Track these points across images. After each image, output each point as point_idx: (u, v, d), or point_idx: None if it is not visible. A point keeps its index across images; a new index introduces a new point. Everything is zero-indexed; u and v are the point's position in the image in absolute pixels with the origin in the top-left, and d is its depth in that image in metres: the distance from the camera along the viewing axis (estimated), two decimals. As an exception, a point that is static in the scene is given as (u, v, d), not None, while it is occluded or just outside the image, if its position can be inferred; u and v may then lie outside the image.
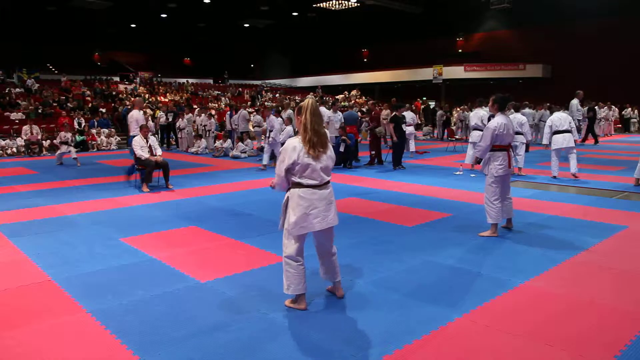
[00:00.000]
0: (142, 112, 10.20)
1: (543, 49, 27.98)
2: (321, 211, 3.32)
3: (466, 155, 10.63)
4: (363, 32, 35.97)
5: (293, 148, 3.26)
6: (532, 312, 3.37)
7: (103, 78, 28.30)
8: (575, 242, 4.98)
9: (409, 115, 13.66)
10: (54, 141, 13.13)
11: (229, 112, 16.42)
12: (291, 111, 13.37)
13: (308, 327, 3.19)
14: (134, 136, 8.89)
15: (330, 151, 3.41)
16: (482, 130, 9.98)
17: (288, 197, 3.40)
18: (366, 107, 19.96)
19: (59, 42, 31.79)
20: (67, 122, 14.60)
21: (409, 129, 13.33)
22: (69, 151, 12.46)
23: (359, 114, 15.25)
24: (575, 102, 13.58)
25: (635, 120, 22.18)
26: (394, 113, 10.97)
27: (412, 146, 13.43)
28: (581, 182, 8.65)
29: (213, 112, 18.32)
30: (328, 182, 3.41)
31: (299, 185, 3.30)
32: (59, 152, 12.58)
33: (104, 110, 20.56)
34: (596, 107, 18.20)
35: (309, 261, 3.61)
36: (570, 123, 8.76)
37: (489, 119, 10.01)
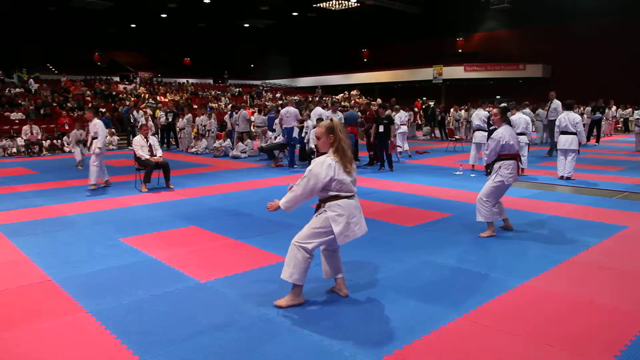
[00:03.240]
0: (295, 108, 10.76)
1: (543, 49, 28.00)
2: (359, 219, 3.44)
3: (470, 155, 10.62)
4: (363, 32, 35.99)
5: (329, 166, 3.29)
6: (532, 312, 3.37)
7: (103, 78, 28.30)
8: (575, 242, 4.99)
9: (402, 114, 13.67)
10: (68, 140, 12.44)
11: (229, 112, 16.46)
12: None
13: (308, 327, 3.19)
14: (290, 128, 10.19)
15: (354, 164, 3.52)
16: (484, 131, 10.04)
17: (321, 205, 3.42)
18: (361, 107, 19.99)
19: (59, 42, 31.81)
20: (68, 122, 14.60)
21: (401, 129, 13.34)
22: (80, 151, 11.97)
23: (359, 114, 15.26)
24: (558, 103, 13.26)
25: (632, 119, 22.19)
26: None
27: (405, 145, 13.44)
28: (582, 182, 8.65)
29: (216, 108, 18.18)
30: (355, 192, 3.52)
31: (337, 197, 3.36)
32: (78, 152, 11.92)
33: (104, 110, 20.57)
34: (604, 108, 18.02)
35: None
36: (576, 125, 8.73)
37: (488, 119, 10.04)
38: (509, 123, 5.43)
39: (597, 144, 16.17)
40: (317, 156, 3.49)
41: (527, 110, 13.90)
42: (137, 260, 4.62)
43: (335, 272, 3.65)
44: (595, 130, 16.77)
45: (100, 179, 8.65)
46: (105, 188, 8.68)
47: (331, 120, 3.42)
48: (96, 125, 8.49)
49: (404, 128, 13.52)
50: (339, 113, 12.64)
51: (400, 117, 13.46)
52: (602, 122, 19.03)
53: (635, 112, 14.81)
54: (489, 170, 5.47)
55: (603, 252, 4.67)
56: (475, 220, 5.37)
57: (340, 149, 3.34)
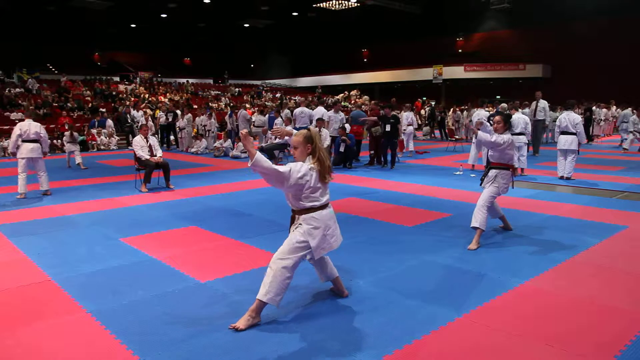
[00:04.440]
0: (309, 109, 11.13)
1: (543, 49, 28.01)
2: (334, 230, 3.38)
3: (469, 155, 10.62)
4: (363, 32, 36.00)
5: (307, 169, 3.21)
6: (532, 312, 3.37)
7: (103, 78, 28.31)
8: (575, 242, 4.98)
9: (408, 115, 13.69)
10: (63, 139, 12.49)
11: (229, 112, 16.48)
12: (288, 111, 13.39)
13: (308, 327, 3.19)
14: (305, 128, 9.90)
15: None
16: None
17: (296, 218, 3.34)
18: (362, 107, 20.02)
19: (59, 42, 31.80)
20: (68, 122, 14.59)
21: (408, 129, 13.37)
22: (73, 151, 12.11)
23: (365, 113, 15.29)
24: (545, 102, 13.29)
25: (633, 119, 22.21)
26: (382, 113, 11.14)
27: (410, 145, 13.48)
28: (581, 182, 8.65)
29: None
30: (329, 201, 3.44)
31: (311, 209, 3.28)
32: (70, 151, 12.09)
33: (103, 110, 20.58)
34: (593, 108, 18.38)
35: (307, 265, 3.60)
36: (576, 126, 8.74)
37: (489, 119, 10.04)
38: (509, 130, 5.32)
39: (591, 143, 16.35)
40: None
41: (527, 110, 13.90)
42: (137, 260, 4.62)
43: (328, 276, 3.61)
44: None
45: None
46: (105, 186, 8.67)
47: (309, 129, 3.35)
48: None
49: (410, 128, 13.55)
50: (341, 113, 12.64)
51: (407, 117, 13.49)
52: (601, 123, 19.22)
53: (632, 117, 14.84)
54: (483, 178, 5.34)
55: (603, 252, 4.67)
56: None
57: (320, 158, 3.25)
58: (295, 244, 3.28)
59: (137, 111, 16.95)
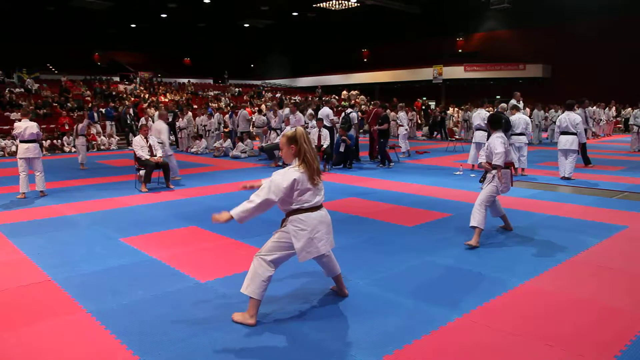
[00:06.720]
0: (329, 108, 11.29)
1: (543, 49, 28.00)
2: (324, 234, 3.29)
3: (469, 155, 10.62)
4: (363, 32, 35.99)
5: (291, 177, 3.12)
6: (532, 312, 3.37)
7: (103, 78, 28.30)
8: (575, 242, 4.98)
9: (402, 115, 13.68)
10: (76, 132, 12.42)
11: (229, 113, 16.51)
12: (289, 110, 13.36)
13: (308, 327, 3.19)
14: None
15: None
16: (485, 131, 10.04)
17: (285, 219, 3.32)
18: (368, 106, 19.98)
19: (59, 42, 31.81)
20: (68, 122, 14.60)
21: (400, 130, 13.39)
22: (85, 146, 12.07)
23: (359, 113, 15.26)
24: (513, 102, 13.23)
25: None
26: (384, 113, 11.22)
27: (406, 145, 13.45)
28: (581, 182, 8.65)
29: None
30: (322, 203, 3.34)
31: (298, 211, 3.22)
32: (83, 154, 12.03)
33: (103, 111, 20.56)
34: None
35: (309, 263, 3.59)
36: (576, 126, 8.74)
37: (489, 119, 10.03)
38: (504, 129, 5.26)
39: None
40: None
41: (526, 110, 13.90)
42: (137, 260, 4.62)
43: (330, 272, 3.60)
44: None
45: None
46: (105, 186, 8.67)
47: (295, 129, 3.24)
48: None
49: (402, 129, 13.52)
50: (299, 114, 12.21)
51: (400, 118, 13.46)
52: (601, 122, 19.26)
53: (634, 111, 14.85)
54: (482, 178, 5.34)
55: (603, 252, 4.67)
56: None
57: (306, 160, 3.15)
58: (277, 241, 3.28)
59: (154, 111, 16.97)
